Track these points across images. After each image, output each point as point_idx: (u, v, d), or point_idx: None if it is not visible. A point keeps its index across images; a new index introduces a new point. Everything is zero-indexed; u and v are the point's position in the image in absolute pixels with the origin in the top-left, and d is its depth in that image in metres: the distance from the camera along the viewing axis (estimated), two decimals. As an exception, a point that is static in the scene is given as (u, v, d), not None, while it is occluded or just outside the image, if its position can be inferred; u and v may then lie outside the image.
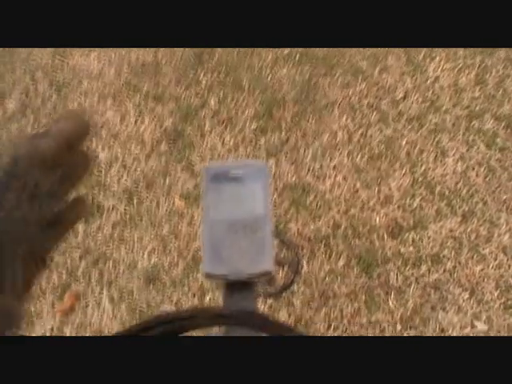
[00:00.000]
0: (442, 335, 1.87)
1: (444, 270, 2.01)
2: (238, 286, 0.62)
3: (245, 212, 0.64)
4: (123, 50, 2.75)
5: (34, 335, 1.96)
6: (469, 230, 2.10)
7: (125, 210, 2.20)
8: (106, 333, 1.95)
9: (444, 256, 2.04)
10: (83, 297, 2.03)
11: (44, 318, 1.98)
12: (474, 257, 2.04)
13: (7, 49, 2.86)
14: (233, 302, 0.61)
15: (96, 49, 2.77)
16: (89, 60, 2.74)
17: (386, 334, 1.86)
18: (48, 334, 1.91)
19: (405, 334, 1.86)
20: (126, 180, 2.28)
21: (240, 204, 0.65)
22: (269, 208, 0.65)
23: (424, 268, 2.01)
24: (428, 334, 1.87)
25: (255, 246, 0.62)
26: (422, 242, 2.07)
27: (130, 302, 1.98)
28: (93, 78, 2.65)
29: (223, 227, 0.64)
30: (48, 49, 2.81)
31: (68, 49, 2.79)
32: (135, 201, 2.22)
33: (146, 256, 2.08)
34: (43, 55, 2.81)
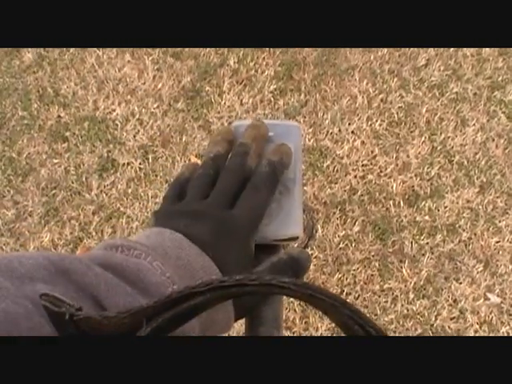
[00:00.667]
0: (455, 305, 1.88)
1: (459, 241, 1.99)
2: (262, 249, 0.61)
3: None
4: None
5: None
6: (486, 201, 2.09)
7: (140, 166, 2.19)
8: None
9: (460, 226, 2.02)
10: (96, 252, 2.03)
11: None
12: (490, 229, 2.03)
13: None
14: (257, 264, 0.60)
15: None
16: (107, 13, 2.70)
17: (399, 303, 1.87)
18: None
19: (417, 304, 1.86)
20: (141, 136, 2.26)
21: None
22: (299, 171, 0.63)
23: (439, 238, 2.00)
24: (440, 305, 1.87)
25: (284, 209, 0.61)
26: (438, 211, 2.05)
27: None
28: (111, 32, 2.62)
29: None
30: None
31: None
32: (150, 158, 2.21)
33: (159, 214, 2.08)
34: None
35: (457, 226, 2.02)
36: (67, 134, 2.29)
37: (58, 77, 2.46)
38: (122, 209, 2.10)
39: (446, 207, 2.06)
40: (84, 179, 2.18)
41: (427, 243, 1.99)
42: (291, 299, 1.63)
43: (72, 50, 2.53)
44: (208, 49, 2.47)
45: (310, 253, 1.94)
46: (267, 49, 2.46)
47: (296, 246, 1.88)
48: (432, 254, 1.97)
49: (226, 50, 2.47)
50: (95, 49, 2.52)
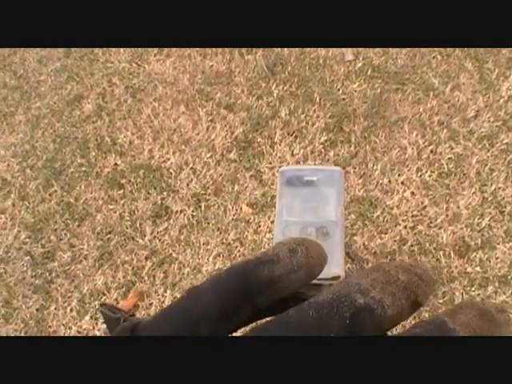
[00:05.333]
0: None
1: (511, 293, 1.97)
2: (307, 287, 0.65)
3: (317, 216, 0.67)
4: (198, 58, 2.81)
5: (96, 333, 2.02)
6: (538, 253, 2.06)
7: (192, 214, 2.25)
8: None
9: (512, 278, 2.01)
10: (147, 296, 2.08)
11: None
12: (543, 281, 2.00)
13: (86, 54, 2.96)
14: None
15: (172, 56, 2.85)
16: (164, 66, 2.81)
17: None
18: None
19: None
20: (194, 185, 2.32)
21: (313, 208, 0.68)
22: (341, 214, 0.67)
23: (491, 289, 1.98)
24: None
25: (326, 250, 0.64)
26: (489, 262, 2.04)
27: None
28: (167, 84, 2.72)
29: (295, 229, 0.67)
30: (126, 54, 2.90)
31: (145, 55, 2.88)
32: (203, 206, 2.26)
33: (210, 260, 2.12)
34: (121, 60, 2.89)
35: (509, 277, 2.00)
36: (123, 181, 2.37)
37: (115, 127, 2.56)
38: (174, 255, 2.15)
39: (497, 258, 2.04)
40: (138, 225, 2.24)
41: (478, 294, 1.97)
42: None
43: (129, 101, 2.64)
44: (260, 101, 2.55)
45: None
46: (318, 101, 2.52)
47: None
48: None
49: (277, 102, 2.54)
50: (151, 100, 2.62)
